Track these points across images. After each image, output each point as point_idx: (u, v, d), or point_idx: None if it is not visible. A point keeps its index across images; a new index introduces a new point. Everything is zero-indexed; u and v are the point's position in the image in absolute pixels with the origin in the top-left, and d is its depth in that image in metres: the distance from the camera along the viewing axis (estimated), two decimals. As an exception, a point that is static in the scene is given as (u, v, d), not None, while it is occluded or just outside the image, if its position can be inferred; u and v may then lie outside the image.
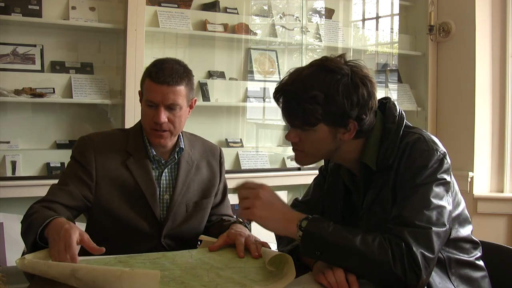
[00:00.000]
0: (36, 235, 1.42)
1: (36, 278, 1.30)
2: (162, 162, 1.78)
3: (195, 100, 1.81)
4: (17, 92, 2.70)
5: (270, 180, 3.28)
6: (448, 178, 1.38)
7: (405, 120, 1.47)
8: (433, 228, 1.29)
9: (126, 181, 1.72)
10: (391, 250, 1.27)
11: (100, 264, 1.39)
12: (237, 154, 3.31)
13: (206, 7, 3.33)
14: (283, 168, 3.43)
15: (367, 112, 1.40)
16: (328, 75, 1.37)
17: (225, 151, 3.23)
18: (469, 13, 3.52)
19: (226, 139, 3.39)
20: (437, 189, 1.35)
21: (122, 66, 2.85)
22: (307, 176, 3.38)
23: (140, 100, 1.78)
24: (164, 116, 1.67)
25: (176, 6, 3.18)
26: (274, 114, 3.70)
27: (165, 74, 1.67)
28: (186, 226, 1.78)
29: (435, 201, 1.33)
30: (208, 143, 1.95)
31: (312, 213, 1.51)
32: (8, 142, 2.74)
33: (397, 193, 1.38)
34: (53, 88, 2.81)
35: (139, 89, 1.79)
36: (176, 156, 1.79)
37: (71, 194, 1.65)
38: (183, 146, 1.80)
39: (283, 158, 3.49)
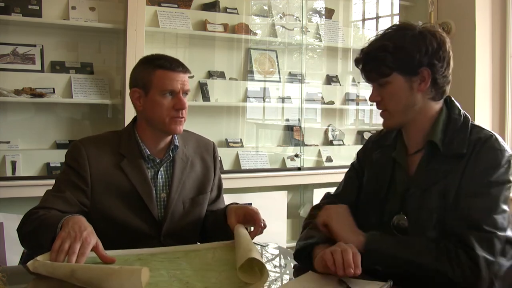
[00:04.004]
0: (57, 229, 1.43)
1: (38, 276, 1.33)
2: (157, 161, 1.78)
3: None
4: (17, 92, 2.70)
5: (270, 180, 3.29)
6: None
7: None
8: (497, 233, 1.35)
9: (122, 183, 1.71)
10: (449, 257, 1.33)
11: (120, 261, 1.45)
12: (237, 154, 3.31)
13: (206, 7, 3.33)
14: (283, 168, 3.43)
15: (440, 59, 1.47)
16: (399, 31, 1.52)
17: (225, 151, 3.28)
18: (469, 13, 3.52)
19: (226, 139, 3.39)
20: (506, 193, 1.41)
21: (122, 66, 2.85)
22: (307, 176, 3.39)
23: (138, 98, 1.74)
24: (185, 101, 1.72)
25: (176, 6, 3.18)
26: (274, 114, 3.70)
27: (178, 63, 1.73)
28: (184, 223, 1.79)
29: (503, 205, 1.39)
30: (202, 139, 1.95)
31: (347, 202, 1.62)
32: (8, 142, 2.74)
33: (465, 185, 1.42)
34: (53, 88, 2.80)
35: (134, 88, 1.75)
36: (171, 154, 1.79)
37: (67, 201, 1.65)
38: (178, 144, 1.81)
39: (283, 158, 3.49)
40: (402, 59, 1.47)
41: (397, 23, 1.60)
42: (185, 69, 1.74)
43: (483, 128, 1.51)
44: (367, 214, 1.61)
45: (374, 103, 1.59)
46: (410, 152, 1.58)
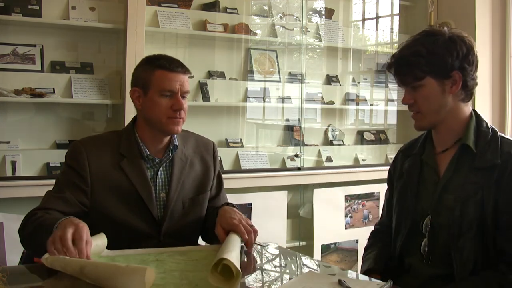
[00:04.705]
0: (53, 230, 1.44)
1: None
2: (157, 161, 1.79)
3: None
4: (17, 92, 2.69)
5: (270, 180, 3.28)
6: None
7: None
8: None
9: (121, 183, 1.72)
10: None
11: (137, 260, 1.48)
12: (237, 154, 3.31)
13: (206, 7, 3.33)
14: (283, 168, 3.43)
15: (469, 63, 1.56)
16: (429, 36, 1.59)
17: (225, 151, 3.28)
18: (469, 13, 3.53)
19: (226, 139, 3.39)
20: None
21: (122, 66, 2.85)
22: (307, 176, 3.39)
23: (138, 98, 1.76)
24: (183, 102, 1.73)
25: (176, 6, 3.18)
26: (274, 114, 3.70)
27: (177, 63, 1.74)
28: (184, 223, 1.79)
29: None
30: (201, 138, 1.96)
31: (390, 223, 1.76)
32: (8, 142, 2.74)
33: (505, 201, 1.51)
34: (53, 88, 2.80)
35: (134, 87, 1.78)
36: (170, 153, 1.80)
37: (67, 201, 1.66)
38: (177, 144, 1.82)
39: (283, 158, 3.49)
40: (435, 63, 1.55)
41: (426, 29, 1.66)
42: (184, 70, 1.75)
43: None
44: (401, 217, 1.70)
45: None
46: (438, 151, 1.66)
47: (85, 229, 1.42)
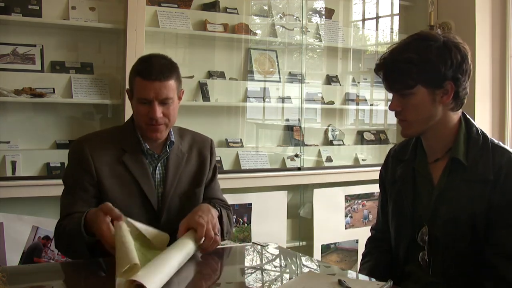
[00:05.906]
0: (82, 234, 1.52)
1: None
2: (156, 156, 1.81)
3: (183, 91, 1.86)
4: (17, 92, 2.70)
5: (270, 180, 3.29)
6: None
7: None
8: None
9: (124, 177, 1.75)
10: None
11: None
12: (237, 154, 3.31)
13: (206, 7, 3.33)
14: (283, 168, 3.43)
15: (463, 73, 1.49)
16: (423, 41, 1.49)
17: (225, 151, 3.28)
18: (469, 13, 3.52)
19: (226, 139, 3.39)
20: None
21: (122, 66, 2.85)
22: (307, 176, 3.39)
23: (130, 98, 1.81)
24: (159, 111, 1.71)
25: (176, 6, 3.18)
26: (274, 114, 3.70)
27: (155, 70, 1.70)
28: (181, 216, 1.78)
29: None
30: (199, 135, 1.98)
31: (385, 228, 1.73)
32: (8, 142, 2.74)
33: (495, 214, 1.47)
34: (53, 88, 2.80)
35: (128, 88, 1.82)
36: (168, 149, 1.83)
37: (83, 200, 1.70)
38: (173, 140, 1.84)
39: (283, 158, 3.49)
40: (427, 72, 1.47)
41: (418, 32, 1.56)
42: (160, 77, 1.70)
43: (504, 148, 1.55)
44: (401, 228, 1.66)
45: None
46: (430, 161, 1.61)
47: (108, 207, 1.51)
